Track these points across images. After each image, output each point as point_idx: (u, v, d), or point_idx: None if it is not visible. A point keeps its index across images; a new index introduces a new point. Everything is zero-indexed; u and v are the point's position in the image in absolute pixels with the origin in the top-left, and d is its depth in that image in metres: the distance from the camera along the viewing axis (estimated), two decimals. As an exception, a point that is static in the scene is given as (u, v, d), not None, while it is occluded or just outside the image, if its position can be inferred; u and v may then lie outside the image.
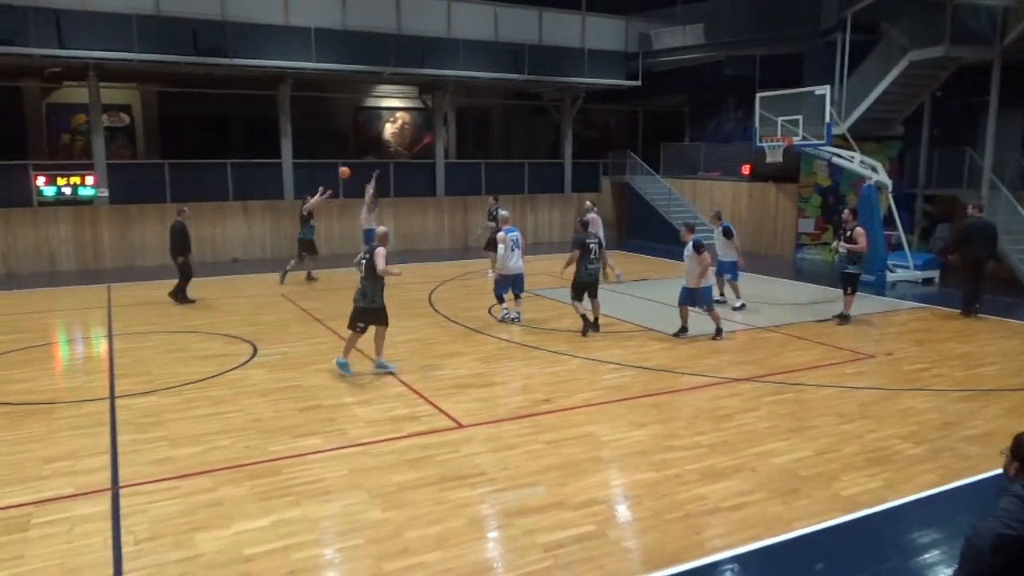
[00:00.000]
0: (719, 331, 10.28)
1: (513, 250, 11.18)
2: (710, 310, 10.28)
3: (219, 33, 16.83)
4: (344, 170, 16.52)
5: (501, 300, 11.60)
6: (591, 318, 10.68)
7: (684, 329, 10.44)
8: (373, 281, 8.47)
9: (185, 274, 12.99)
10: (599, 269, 10.79)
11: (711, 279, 10.61)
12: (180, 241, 12.86)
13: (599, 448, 6.47)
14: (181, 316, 12.06)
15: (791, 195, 19.55)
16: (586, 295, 10.68)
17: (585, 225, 11.34)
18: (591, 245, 10.50)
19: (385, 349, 9.24)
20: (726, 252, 12.30)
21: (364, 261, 8.49)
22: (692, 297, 10.27)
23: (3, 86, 18.76)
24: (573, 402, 7.69)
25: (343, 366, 8.62)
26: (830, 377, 8.62)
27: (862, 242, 11.16)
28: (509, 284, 11.40)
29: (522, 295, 11.53)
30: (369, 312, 8.57)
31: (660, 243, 21.48)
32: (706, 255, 10.11)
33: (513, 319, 11.36)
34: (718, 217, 12.85)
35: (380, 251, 8.42)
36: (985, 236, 11.90)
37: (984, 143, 15.32)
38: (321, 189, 15.61)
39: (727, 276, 12.45)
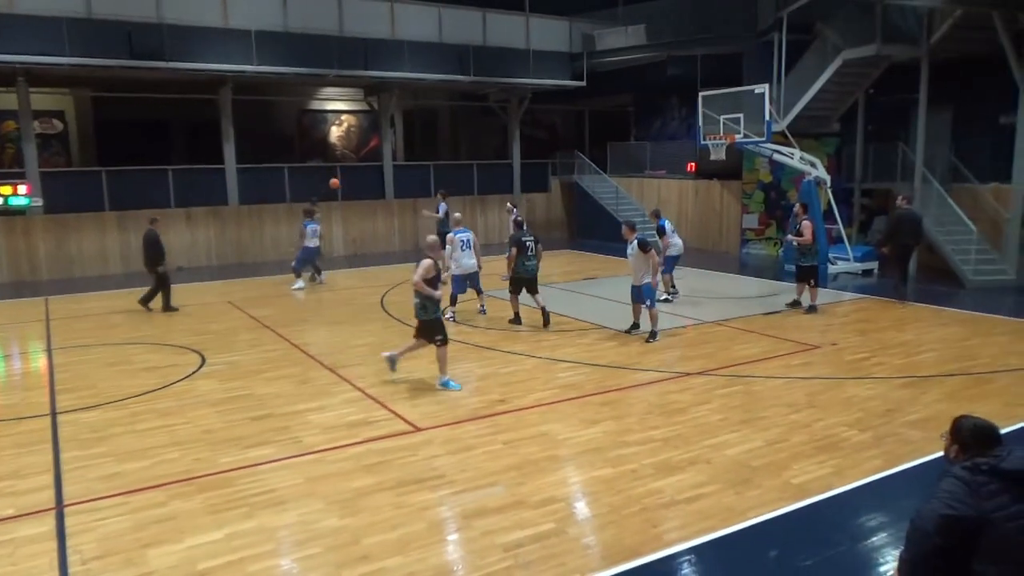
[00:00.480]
0: (653, 334, 10.20)
1: (464, 249, 11.50)
2: (651, 308, 10.32)
3: (155, 35, 16.38)
4: (334, 181, 17.01)
5: (454, 302, 11.70)
6: (538, 314, 11.11)
7: (636, 325, 10.59)
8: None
9: (164, 283, 12.77)
10: (537, 265, 11.18)
11: (657, 276, 10.77)
12: (153, 251, 12.68)
13: (556, 446, 6.51)
14: (124, 328, 11.71)
15: (735, 192, 19.97)
16: (525, 291, 11.15)
17: (520, 224, 11.65)
18: (527, 243, 10.99)
19: (339, 353, 9.15)
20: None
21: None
22: (641, 294, 10.42)
23: (-75, 92, 17.96)
24: (529, 401, 7.72)
25: (448, 384, 8.14)
26: (778, 368, 8.84)
27: (807, 235, 11.66)
28: (466, 282, 11.71)
29: (483, 291, 12.10)
30: (429, 325, 8.14)
31: (609, 241, 21.67)
32: (653, 253, 10.26)
33: (479, 311, 11.96)
34: (656, 215, 13.24)
35: (424, 263, 7.98)
36: (913, 225, 12.60)
37: (915, 138, 15.90)
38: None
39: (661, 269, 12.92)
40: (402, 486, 5.71)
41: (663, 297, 12.57)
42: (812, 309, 11.77)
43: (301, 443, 6.67)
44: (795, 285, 12.19)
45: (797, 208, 12.20)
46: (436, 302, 8.18)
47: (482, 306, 12.02)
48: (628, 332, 10.54)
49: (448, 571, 4.60)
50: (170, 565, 4.63)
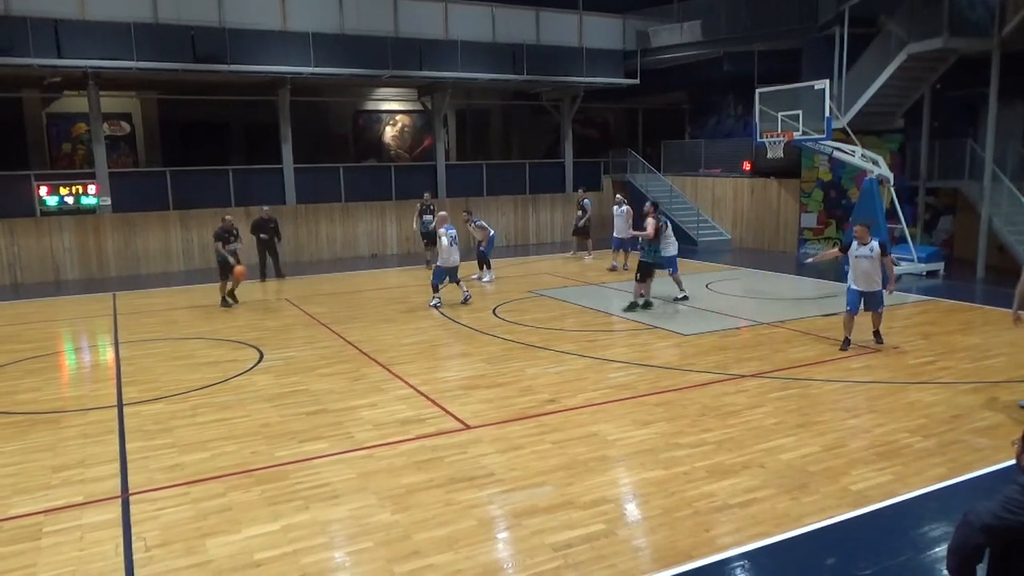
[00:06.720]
0: (877, 334, 9.64)
1: (452, 245, 12.70)
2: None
3: (217, 39, 16.85)
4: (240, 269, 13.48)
5: (436, 289, 12.77)
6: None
7: (847, 341, 9.59)
8: None
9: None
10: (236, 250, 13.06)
11: (893, 284, 9.74)
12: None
13: (606, 447, 6.46)
14: (186, 323, 12.09)
15: (793, 190, 19.52)
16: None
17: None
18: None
19: (391, 351, 9.20)
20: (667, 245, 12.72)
21: None
22: (867, 302, 9.46)
23: (3, 97, 18.81)
24: (579, 401, 7.69)
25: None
26: (836, 372, 8.61)
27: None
28: (447, 274, 12.85)
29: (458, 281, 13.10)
30: None
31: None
32: (891, 258, 9.55)
33: (435, 305, 12.62)
34: (655, 207, 13.08)
35: None
36: None
37: (985, 134, 15.28)
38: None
39: (669, 269, 12.84)
40: (452, 483, 5.75)
41: (683, 295, 12.70)
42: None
43: (354, 438, 6.77)
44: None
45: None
46: None
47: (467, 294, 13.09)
48: (842, 348, 9.63)
49: (497, 569, 4.61)
50: (228, 555, 4.76)
